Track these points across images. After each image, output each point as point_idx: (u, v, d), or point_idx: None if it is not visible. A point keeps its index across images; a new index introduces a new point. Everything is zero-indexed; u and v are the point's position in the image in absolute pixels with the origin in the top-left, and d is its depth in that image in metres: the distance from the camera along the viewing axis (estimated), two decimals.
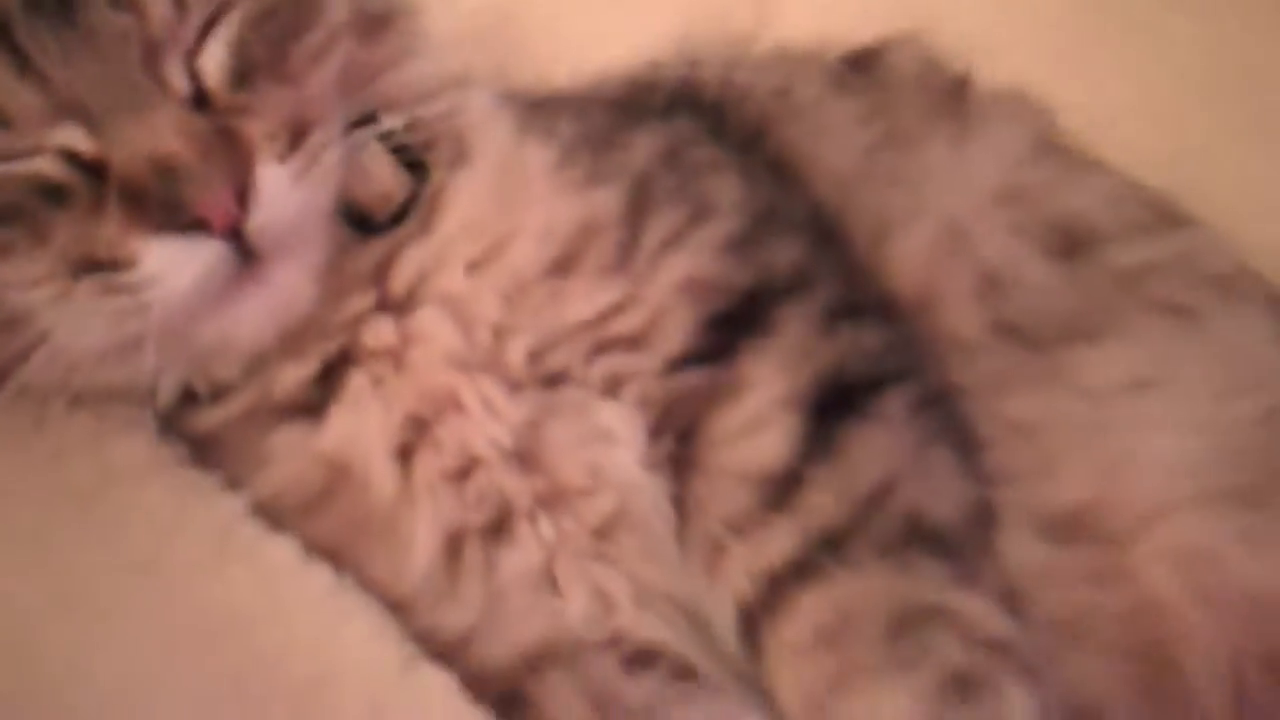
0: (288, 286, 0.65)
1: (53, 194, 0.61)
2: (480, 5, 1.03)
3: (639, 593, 0.69)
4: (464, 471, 0.68)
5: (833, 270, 0.73)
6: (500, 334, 0.68)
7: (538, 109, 0.75)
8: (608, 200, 0.71)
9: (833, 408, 0.68)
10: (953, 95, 0.83)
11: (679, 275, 0.70)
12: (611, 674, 0.69)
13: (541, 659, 0.69)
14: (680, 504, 0.68)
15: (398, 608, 0.68)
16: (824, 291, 0.71)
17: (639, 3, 1.03)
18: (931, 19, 0.93)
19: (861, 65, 0.86)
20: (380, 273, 0.70)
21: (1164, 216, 0.81)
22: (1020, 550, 0.70)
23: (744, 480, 0.67)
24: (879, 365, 0.70)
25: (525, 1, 1.05)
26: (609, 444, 0.68)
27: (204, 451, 0.70)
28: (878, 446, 0.68)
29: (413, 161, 0.71)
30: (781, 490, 0.67)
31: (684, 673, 0.70)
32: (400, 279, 0.69)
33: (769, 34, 0.92)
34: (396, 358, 0.69)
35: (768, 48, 0.88)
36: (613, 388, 0.69)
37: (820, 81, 0.83)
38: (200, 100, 0.64)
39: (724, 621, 0.68)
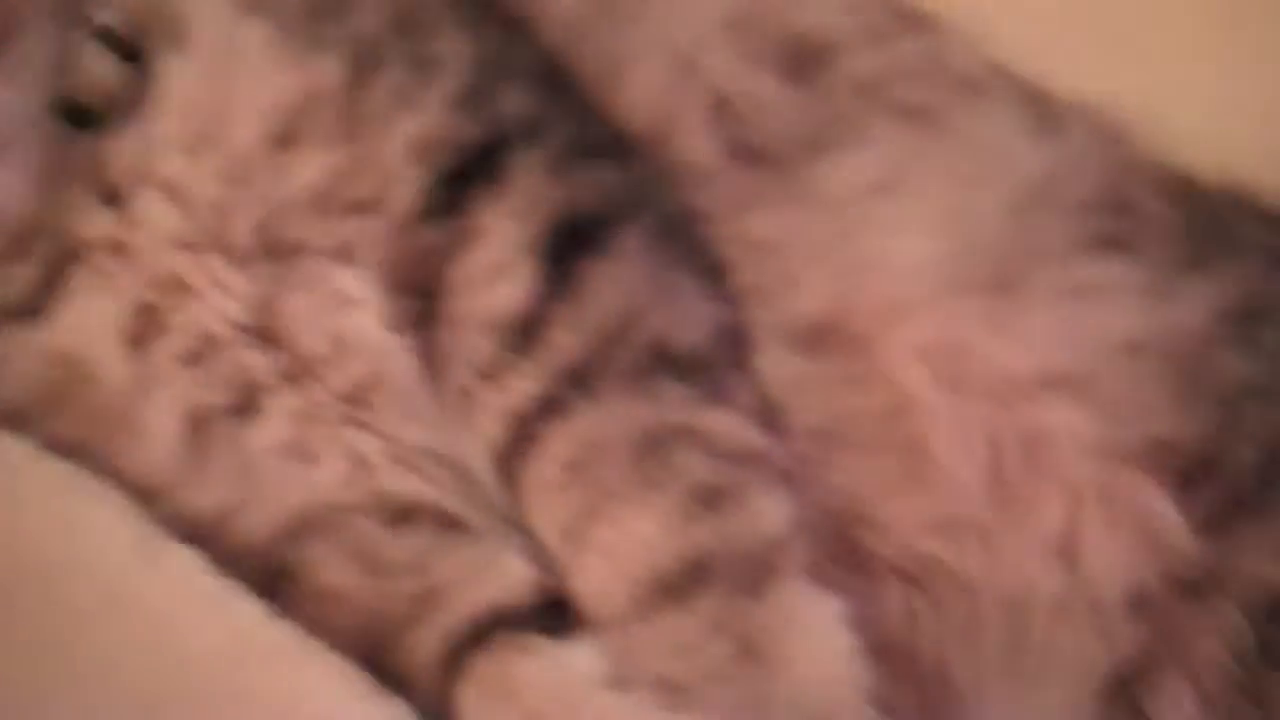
0: (2, 187, 0.65)
1: None
2: None
3: (396, 451, 0.71)
4: (200, 353, 0.69)
5: (564, 114, 0.73)
6: (222, 211, 0.69)
7: None
8: (329, 68, 0.71)
9: (571, 247, 0.70)
10: None
11: (406, 137, 0.70)
12: (376, 534, 0.71)
13: (303, 528, 0.71)
14: (429, 359, 0.70)
15: (150, 497, 0.69)
16: (555, 136, 0.72)
17: None
18: None
19: None
20: (100, 163, 0.70)
21: (907, 21, 0.82)
22: (774, 364, 0.72)
23: (487, 327, 0.68)
24: (614, 202, 0.71)
25: None
26: (349, 309, 0.69)
27: None
28: (617, 280, 0.69)
29: (131, 50, 0.71)
30: (524, 333, 0.68)
31: (449, 523, 0.72)
32: (117, 168, 0.70)
33: None
34: (118, 247, 0.69)
35: None
36: (347, 253, 0.69)
37: None
38: None
39: (482, 468, 0.70)
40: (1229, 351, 0.75)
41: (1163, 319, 0.75)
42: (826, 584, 0.66)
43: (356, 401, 0.70)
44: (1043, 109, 0.81)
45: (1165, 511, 0.72)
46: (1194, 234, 0.79)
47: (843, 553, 0.71)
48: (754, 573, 0.64)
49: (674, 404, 0.67)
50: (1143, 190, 0.80)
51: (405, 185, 0.70)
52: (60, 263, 0.69)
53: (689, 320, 0.70)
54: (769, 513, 0.66)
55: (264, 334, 0.69)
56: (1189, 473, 0.73)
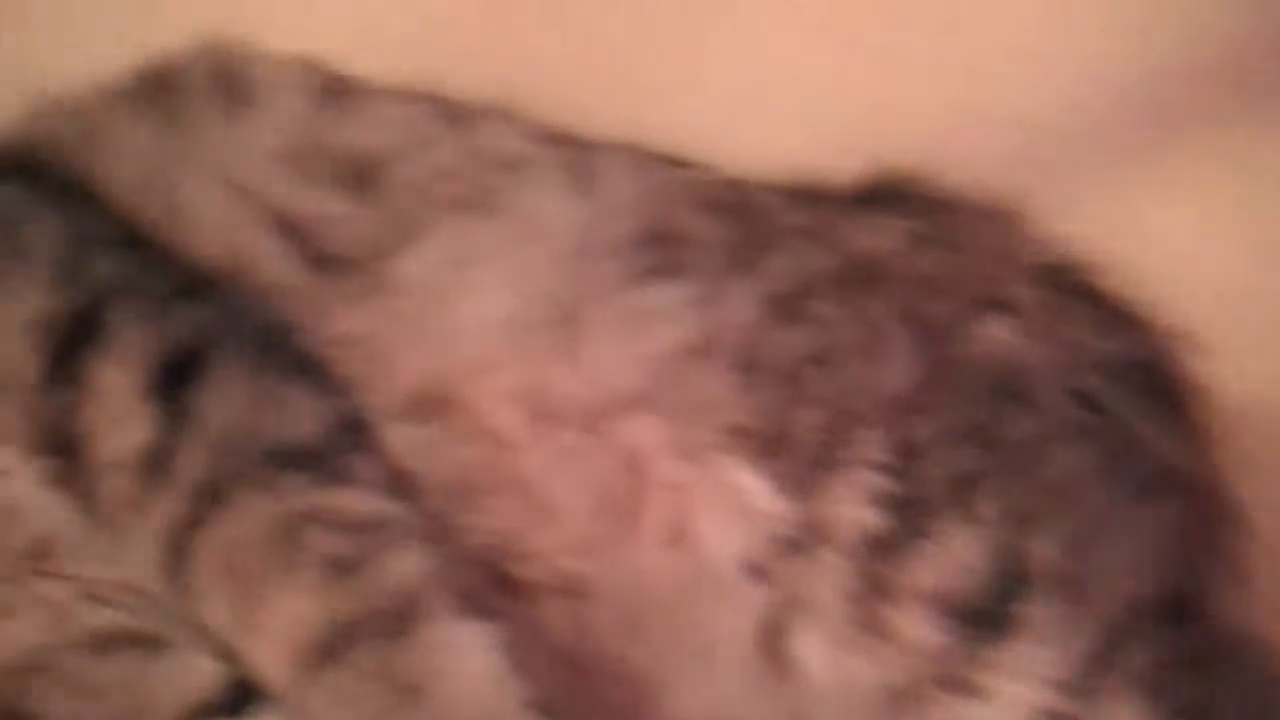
0: None
1: None
2: None
3: (84, 589, 0.77)
4: None
5: (146, 270, 0.82)
6: None
7: None
8: None
9: (177, 381, 0.78)
10: (235, 82, 0.93)
11: (18, 321, 0.78)
12: (85, 664, 0.77)
13: (22, 673, 0.76)
14: (86, 503, 0.77)
15: None
16: (140, 290, 0.80)
17: None
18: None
19: (160, 81, 0.94)
20: None
21: (449, 121, 0.93)
22: (396, 436, 0.81)
23: (121, 467, 0.76)
24: (208, 332, 0.80)
25: None
26: (5, 481, 0.76)
27: None
28: (224, 400, 0.78)
29: None
30: (156, 464, 0.76)
31: (145, 641, 0.77)
32: None
33: None
34: None
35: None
36: None
37: (119, 108, 0.92)
38: None
39: (157, 585, 0.76)
40: (780, 330, 0.86)
41: (715, 321, 0.85)
42: (489, 614, 0.74)
43: (38, 555, 0.77)
44: (579, 167, 0.92)
45: (751, 485, 0.82)
46: (737, 239, 0.90)
47: (501, 583, 0.81)
48: (398, 621, 0.73)
49: (297, 493, 0.76)
50: (682, 214, 0.91)
51: (26, 364, 0.78)
52: None
53: (299, 418, 0.79)
54: (404, 567, 0.74)
55: None
56: (764, 445, 0.83)
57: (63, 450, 0.78)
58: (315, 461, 0.78)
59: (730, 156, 0.99)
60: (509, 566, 0.82)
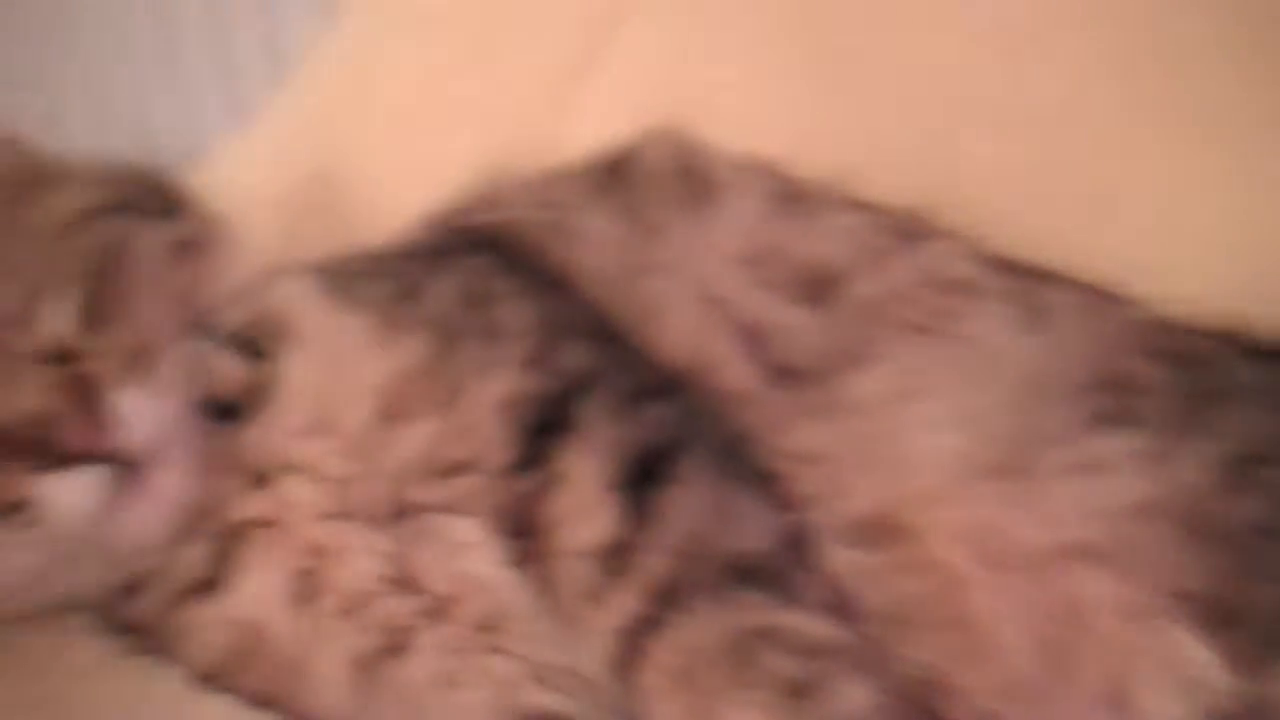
0: (168, 484, 0.77)
1: None
2: (303, 179, 1.17)
3: (530, 670, 0.80)
4: (354, 606, 0.80)
5: (617, 363, 0.85)
6: (353, 485, 0.80)
7: (344, 277, 0.87)
8: (417, 348, 0.83)
9: (643, 480, 0.80)
10: (695, 177, 0.95)
11: (492, 399, 0.82)
12: None
13: None
14: (542, 587, 0.80)
15: None
16: (613, 384, 0.83)
17: (431, 163, 1.16)
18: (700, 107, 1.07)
19: (616, 168, 0.98)
20: (241, 451, 0.82)
21: (900, 235, 0.93)
22: (837, 559, 0.81)
23: (584, 558, 0.79)
24: (673, 435, 0.82)
25: (346, 174, 1.19)
26: (468, 554, 0.80)
27: (142, 636, 0.82)
28: (687, 505, 0.80)
29: (250, 348, 0.84)
30: (616, 559, 0.79)
31: None
32: (258, 455, 0.81)
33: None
34: (274, 524, 0.81)
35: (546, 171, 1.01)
36: (458, 506, 0.80)
37: (583, 195, 0.95)
38: (53, 354, 0.76)
39: (603, 678, 0.79)
40: (1235, 498, 0.82)
41: (1168, 479, 0.82)
42: None
43: (490, 630, 0.80)
44: (1030, 300, 0.90)
45: (1198, 656, 0.79)
46: (1189, 390, 0.86)
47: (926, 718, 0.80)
48: None
49: (754, 609, 0.77)
50: (1134, 358, 0.88)
51: (496, 443, 0.81)
52: (226, 541, 0.80)
53: (754, 531, 0.80)
54: (852, 696, 0.75)
55: (403, 583, 0.80)
56: (1215, 616, 0.79)
57: (526, 532, 0.81)
58: (768, 577, 0.79)
59: (1158, 289, 0.96)
60: (934, 702, 0.81)
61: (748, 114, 1.07)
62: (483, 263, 0.90)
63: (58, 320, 0.78)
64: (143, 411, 0.76)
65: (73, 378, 0.75)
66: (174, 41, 1.60)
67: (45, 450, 0.73)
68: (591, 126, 1.20)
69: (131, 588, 0.81)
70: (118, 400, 0.75)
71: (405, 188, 1.20)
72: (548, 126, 1.21)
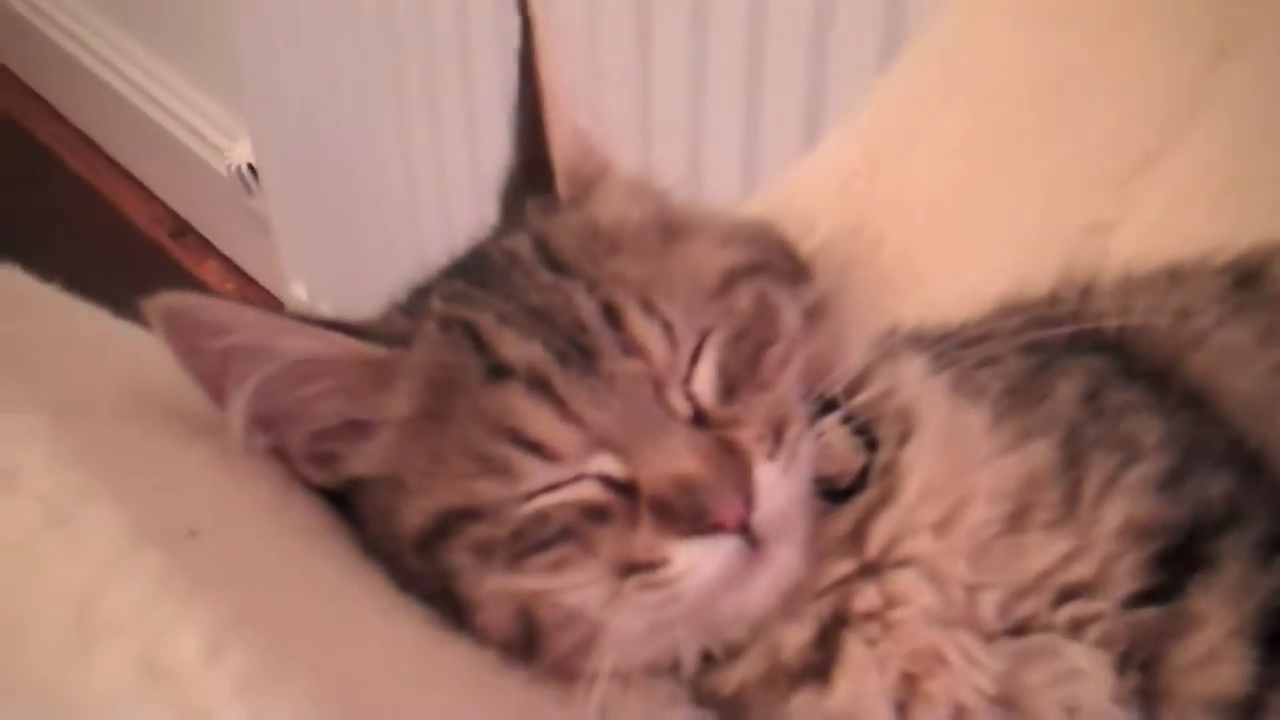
0: (786, 561, 0.77)
1: (596, 513, 0.75)
2: (838, 241, 1.16)
3: None
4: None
5: (1262, 500, 0.79)
6: (971, 591, 0.77)
7: (961, 365, 0.85)
8: (1043, 453, 0.79)
9: (1278, 635, 0.74)
10: None
11: (1120, 519, 0.77)
12: None
13: None
14: None
15: None
16: (1257, 522, 0.77)
17: (985, 234, 1.13)
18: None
19: (1246, 281, 0.91)
20: (854, 537, 0.80)
21: None
22: None
23: (1208, 708, 0.74)
24: None
25: (881, 236, 1.17)
26: (1080, 682, 0.75)
27: (729, 715, 0.81)
28: None
29: (863, 433, 0.82)
30: (1245, 716, 0.73)
31: None
32: (875, 544, 0.80)
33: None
34: (882, 619, 0.78)
35: (1142, 272, 0.96)
36: (1076, 630, 0.76)
37: (1214, 306, 0.89)
38: (699, 418, 0.77)
39: None
40: None
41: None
42: None
43: None
44: None
45: None
46: None
47: None
48: None
49: None
50: None
51: (1123, 568, 0.77)
52: (832, 628, 0.79)
53: None
54: None
55: (1007, 703, 0.76)
56: None
57: (1143, 667, 0.76)
58: None
59: None
60: None
61: None
62: (1104, 365, 0.85)
63: (703, 383, 0.78)
64: (776, 488, 0.76)
65: (718, 443, 0.75)
66: None
67: (690, 517, 0.73)
68: (1147, 217, 1.14)
69: (718, 656, 0.81)
70: (761, 476, 0.75)
71: (948, 253, 1.19)
72: (1107, 213, 1.15)
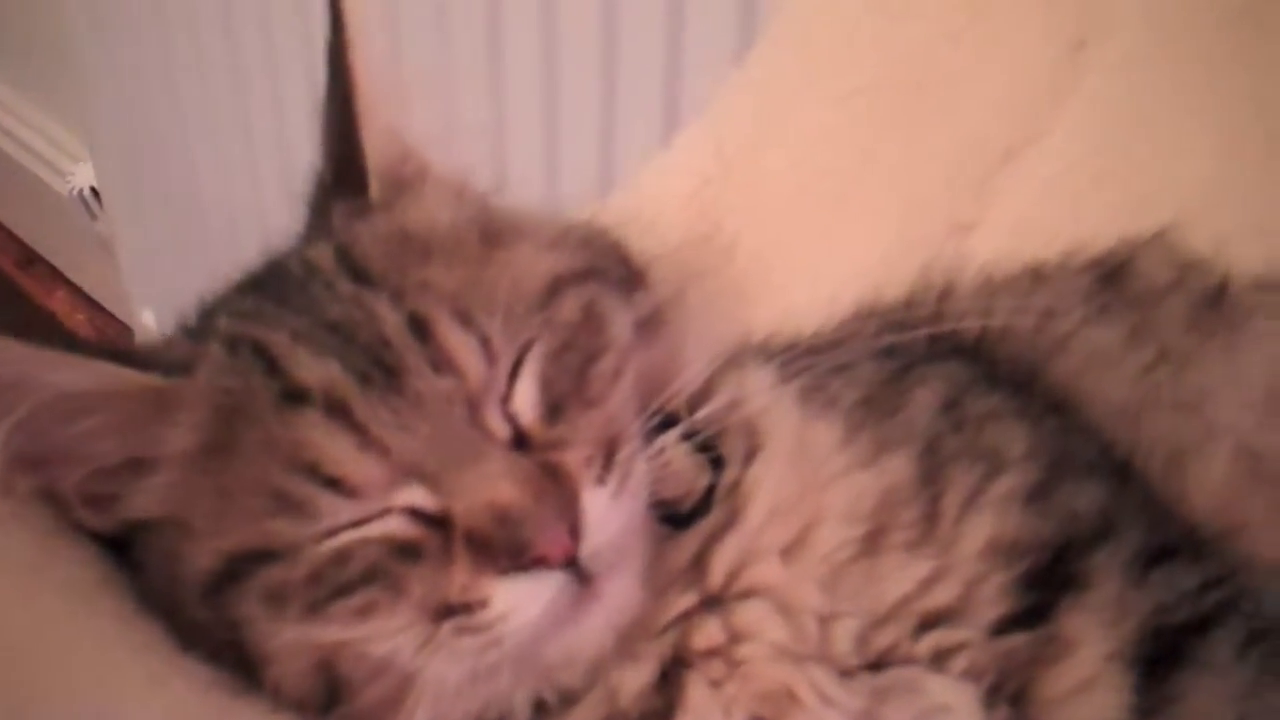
0: (620, 595, 0.69)
1: (405, 551, 0.67)
2: (688, 250, 1.09)
3: None
4: None
5: (1135, 511, 0.73)
6: (824, 621, 0.70)
7: (810, 377, 0.77)
8: (901, 468, 0.73)
9: (1159, 658, 0.68)
10: (1212, 300, 0.83)
11: (984, 538, 0.71)
12: None
13: None
14: None
15: None
16: (1131, 536, 0.71)
17: (844, 236, 1.07)
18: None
19: (1111, 278, 0.86)
20: (696, 566, 0.72)
21: None
22: None
23: None
24: (1198, 607, 0.70)
25: (734, 242, 1.10)
26: (946, 718, 0.69)
27: None
28: (1214, 694, 0.68)
29: (706, 450, 0.75)
30: None
31: None
32: (717, 572, 0.72)
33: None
34: (727, 657, 0.71)
35: (1003, 273, 0.90)
36: (940, 661, 0.70)
37: (1079, 305, 0.83)
38: (520, 441, 0.69)
39: None
40: None
41: None
42: None
43: None
44: None
45: None
46: None
47: None
48: None
49: None
50: None
51: (988, 590, 0.70)
52: (673, 669, 0.71)
53: None
54: None
55: None
56: None
57: (1013, 699, 0.69)
58: None
59: None
60: None
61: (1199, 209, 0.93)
62: (961, 372, 0.79)
63: (524, 401, 0.70)
64: (607, 516, 0.68)
65: (541, 468, 0.67)
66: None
67: (509, 551, 0.65)
68: (1009, 214, 1.09)
69: (551, 705, 0.72)
70: (589, 502, 0.67)
71: (806, 258, 1.12)
72: (967, 213, 1.10)
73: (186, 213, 2.36)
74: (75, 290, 3.11)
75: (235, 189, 2.20)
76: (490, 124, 1.67)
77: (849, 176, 1.11)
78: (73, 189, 2.72)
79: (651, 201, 1.13)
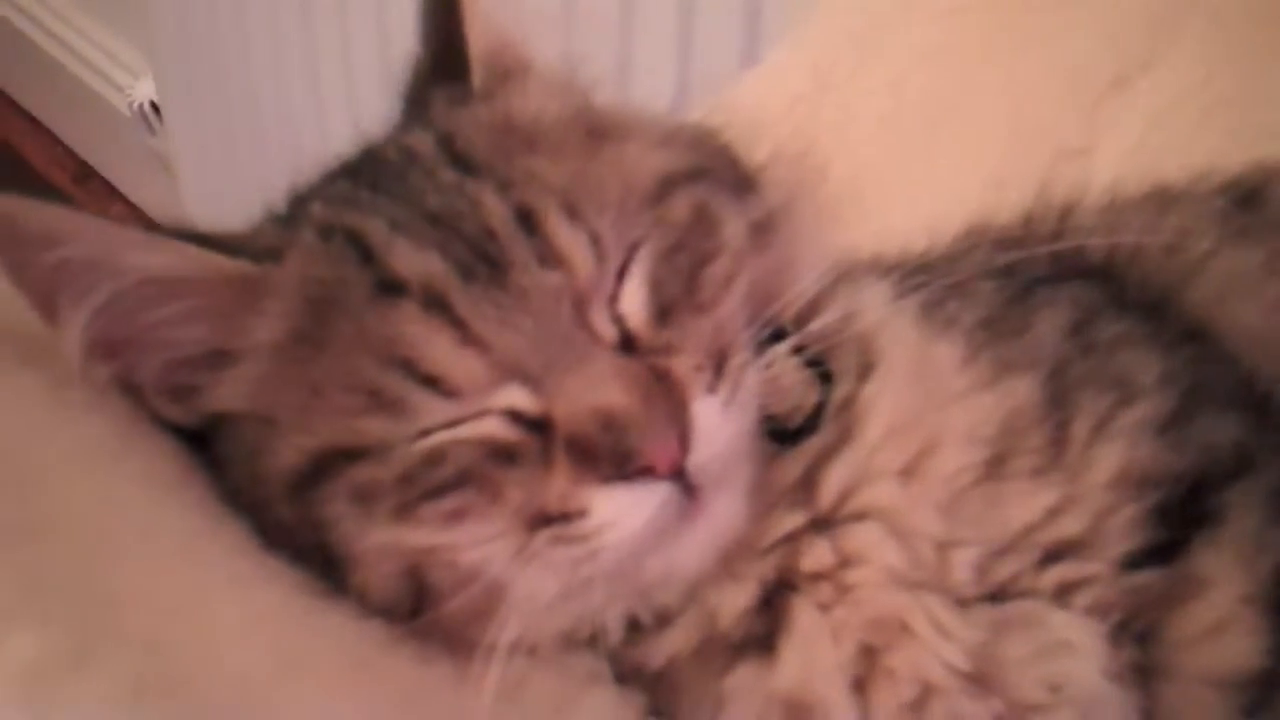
0: (727, 512, 0.65)
1: (502, 454, 0.63)
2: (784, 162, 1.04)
3: None
4: (921, 701, 0.65)
5: (1276, 445, 0.68)
6: (942, 548, 0.66)
7: (928, 295, 0.73)
8: (1025, 391, 0.68)
9: None
10: None
11: (1114, 467, 0.67)
12: None
13: None
14: (1147, 713, 0.64)
15: None
16: (1270, 472, 0.67)
17: (946, 159, 1.02)
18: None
19: (1248, 201, 0.81)
20: (805, 485, 0.68)
21: None
22: None
23: (1216, 686, 0.64)
24: None
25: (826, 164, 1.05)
26: (1068, 656, 0.65)
27: (659, 693, 0.69)
28: None
29: (817, 366, 0.71)
30: (1259, 694, 0.63)
31: None
32: (828, 493, 0.68)
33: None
34: (836, 581, 0.67)
35: (1128, 194, 0.85)
36: (1064, 596, 0.66)
37: (1214, 228, 0.78)
38: (627, 344, 0.65)
39: None
40: None
41: None
42: None
43: None
44: None
45: None
46: None
47: None
48: None
49: None
50: None
51: (1118, 523, 0.66)
52: (777, 592, 0.67)
53: None
54: None
55: (982, 680, 0.65)
56: None
57: (1141, 640, 0.65)
58: None
59: None
60: None
61: None
62: (1088, 294, 0.74)
63: (632, 303, 0.66)
64: (717, 427, 0.64)
65: (649, 372, 0.63)
66: None
67: (613, 459, 0.61)
68: (1124, 141, 1.04)
69: (645, 625, 0.69)
70: (699, 412, 0.63)
71: (903, 181, 1.08)
72: (1075, 139, 1.05)
73: (247, 129, 2.33)
74: (131, 206, 3.09)
75: (296, 105, 2.16)
76: (563, 22, 1.60)
77: (949, 98, 1.06)
78: (132, 103, 2.69)
79: (748, 113, 1.08)
